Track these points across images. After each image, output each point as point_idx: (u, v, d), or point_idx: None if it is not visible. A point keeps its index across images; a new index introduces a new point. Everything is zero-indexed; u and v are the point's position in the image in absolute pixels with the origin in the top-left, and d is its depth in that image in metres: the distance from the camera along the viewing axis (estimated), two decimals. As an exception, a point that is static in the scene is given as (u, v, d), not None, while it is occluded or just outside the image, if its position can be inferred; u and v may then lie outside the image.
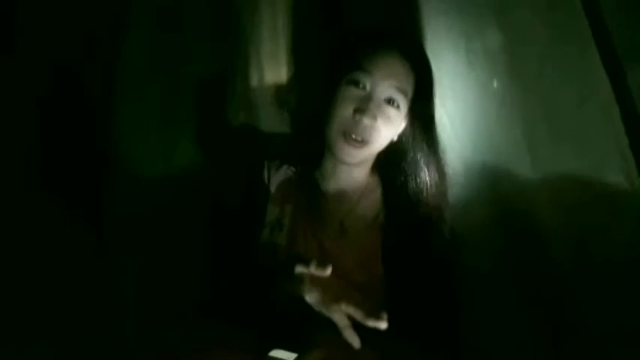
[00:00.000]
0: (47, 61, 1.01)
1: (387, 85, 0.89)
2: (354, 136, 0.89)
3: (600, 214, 0.78)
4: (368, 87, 0.89)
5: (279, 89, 1.14)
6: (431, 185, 0.93)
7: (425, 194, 0.93)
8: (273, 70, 1.15)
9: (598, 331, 0.77)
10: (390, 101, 0.90)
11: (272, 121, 1.14)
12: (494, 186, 0.92)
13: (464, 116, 0.98)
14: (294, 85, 1.13)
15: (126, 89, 1.05)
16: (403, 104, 0.90)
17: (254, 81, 1.14)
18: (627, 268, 0.75)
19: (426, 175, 0.93)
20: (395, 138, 0.94)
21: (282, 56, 1.16)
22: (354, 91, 0.89)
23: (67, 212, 0.97)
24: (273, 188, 0.98)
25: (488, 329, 0.88)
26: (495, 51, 0.91)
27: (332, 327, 0.72)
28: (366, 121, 0.88)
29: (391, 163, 0.97)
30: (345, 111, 0.89)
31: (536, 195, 0.85)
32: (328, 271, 0.72)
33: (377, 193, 0.99)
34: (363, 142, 0.90)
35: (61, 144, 1.00)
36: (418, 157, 0.93)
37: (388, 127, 0.91)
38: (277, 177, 1.00)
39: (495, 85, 0.91)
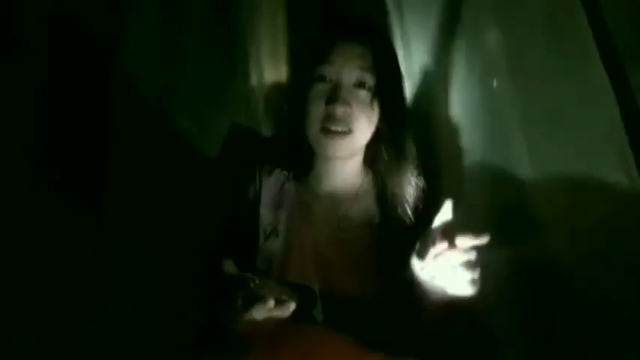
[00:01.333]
0: (48, 57, 1.01)
1: (351, 69, 0.89)
2: (332, 128, 0.89)
3: (600, 213, 0.78)
4: (334, 77, 0.89)
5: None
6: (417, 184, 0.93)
7: (416, 195, 0.93)
8: (273, 70, 1.15)
9: (598, 331, 0.77)
10: (360, 84, 0.90)
11: (272, 121, 1.14)
12: (494, 186, 0.92)
13: (463, 116, 0.98)
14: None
15: (125, 88, 1.05)
16: (374, 81, 0.90)
17: (254, 81, 1.14)
18: (628, 268, 0.75)
19: (409, 172, 0.94)
20: (380, 125, 0.94)
21: (282, 56, 1.16)
22: (322, 86, 0.90)
23: (66, 199, 0.97)
24: (265, 193, 0.97)
25: (487, 329, 0.88)
26: (495, 51, 0.91)
27: None
28: (339, 108, 0.87)
29: (378, 158, 0.96)
30: (317, 107, 0.89)
31: (536, 195, 0.85)
32: (289, 310, 0.73)
33: (372, 195, 0.98)
34: (343, 133, 0.89)
35: (61, 126, 1.00)
36: (397, 149, 0.94)
37: (366, 111, 0.90)
38: (269, 181, 0.98)
39: (495, 85, 0.91)
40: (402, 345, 0.79)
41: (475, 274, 0.72)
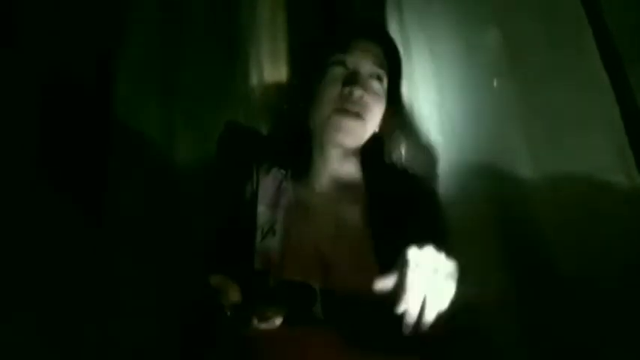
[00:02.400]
0: (47, 56, 1.01)
1: (368, 62, 0.95)
2: (349, 108, 0.92)
3: (600, 214, 0.78)
4: (352, 66, 0.94)
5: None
6: (414, 159, 0.99)
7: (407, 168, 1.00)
8: (273, 70, 1.15)
9: (598, 332, 0.77)
10: (374, 76, 0.95)
11: (272, 121, 1.14)
12: (493, 186, 0.92)
13: (464, 116, 0.98)
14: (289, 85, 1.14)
15: (126, 87, 1.05)
16: (386, 79, 0.97)
17: (254, 81, 1.14)
18: (628, 267, 0.75)
19: (404, 151, 1.00)
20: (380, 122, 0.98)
21: (282, 56, 1.16)
22: (339, 69, 0.94)
23: (66, 199, 0.97)
24: (262, 192, 0.97)
25: (486, 330, 0.88)
26: (495, 51, 0.91)
27: None
28: (357, 92, 0.91)
29: (373, 156, 1.00)
30: (334, 89, 0.93)
31: (536, 195, 0.85)
32: (275, 324, 0.74)
33: (361, 188, 0.99)
34: (358, 115, 0.93)
35: (61, 126, 1.00)
36: (395, 138, 1.01)
37: (376, 102, 0.95)
38: (267, 180, 0.99)
39: (495, 85, 0.91)
40: (402, 345, 0.79)
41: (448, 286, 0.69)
